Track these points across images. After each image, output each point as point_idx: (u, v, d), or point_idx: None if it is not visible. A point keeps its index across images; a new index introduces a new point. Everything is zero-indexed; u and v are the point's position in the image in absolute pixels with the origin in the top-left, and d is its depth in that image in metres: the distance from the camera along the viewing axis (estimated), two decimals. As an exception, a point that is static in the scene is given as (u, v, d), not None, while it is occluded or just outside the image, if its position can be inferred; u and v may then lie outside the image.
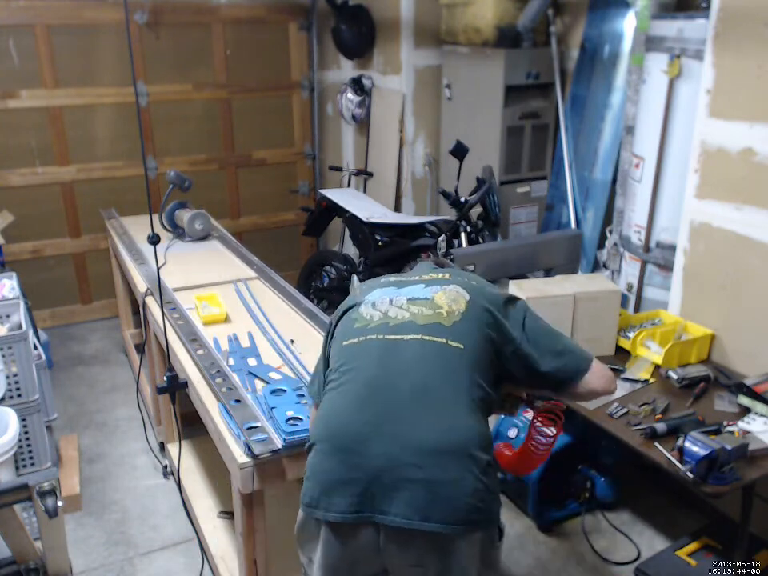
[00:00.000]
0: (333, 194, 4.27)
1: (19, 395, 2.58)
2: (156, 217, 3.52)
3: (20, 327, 2.61)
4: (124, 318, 4.19)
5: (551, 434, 1.80)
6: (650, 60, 2.89)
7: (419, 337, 1.54)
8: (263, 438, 1.80)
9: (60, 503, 1.54)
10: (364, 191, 4.73)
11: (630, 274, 3.16)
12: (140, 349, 4.05)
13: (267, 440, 1.79)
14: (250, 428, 1.84)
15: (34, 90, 4.28)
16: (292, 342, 2.42)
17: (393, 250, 3.85)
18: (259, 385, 2.12)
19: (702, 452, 1.95)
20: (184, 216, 3.58)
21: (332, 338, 1.70)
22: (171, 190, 3.45)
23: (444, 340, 1.54)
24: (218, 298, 2.74)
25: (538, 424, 1.81)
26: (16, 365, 2.56)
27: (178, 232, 3.61)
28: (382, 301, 1.66)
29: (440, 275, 1.76)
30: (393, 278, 1.79)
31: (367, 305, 1.67)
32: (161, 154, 4.69)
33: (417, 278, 1.77)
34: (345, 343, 1.61)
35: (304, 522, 1.55)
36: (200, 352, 2.32)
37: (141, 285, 2.95)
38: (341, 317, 1.71)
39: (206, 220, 3.60)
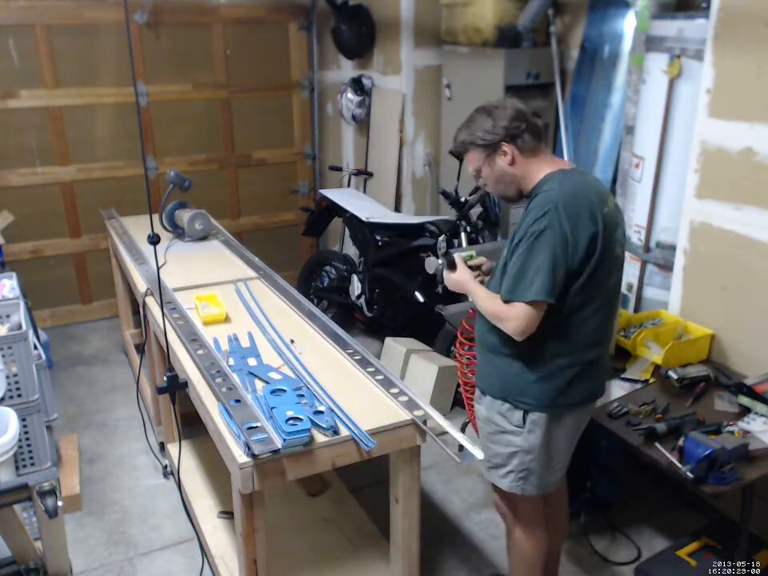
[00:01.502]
0: (333, 194, 4.27)
1: (19, 395, 2.58)
2: (156, 217, 3.52)
3: (20, 327, 2.61)
4: (124, 317, 4.19)
5: None
6: (650, 60, 2.89)
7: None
8: (263, 437, 1.80)
9: (60, 503, 1.54)
10: (364, 191, 4.73)
11: (630, 273, 3.15)
12: (140, 349, 4.07)
13: (267, 440, 1.79)
14: (250, 428, 1.84)
15: (34, 89, 4.28)
16: (292, 341, 2.42)
17: (393, 250, 3.85)
18: (259, 385, 2.12)
19: (702, 452, 1.95)
20: (184, 216, 3.58)
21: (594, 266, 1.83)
22: (171, 189, 3.45)
23: None
24: (218, 297, 2.73)
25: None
26: (16, 365, 2.56)
27: (178, 232, 3.61)
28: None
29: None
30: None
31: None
32: (161, 154, 4.69)
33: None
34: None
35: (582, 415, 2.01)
36: (200, 352, 2.32)
37: (141, 285, 2.95)
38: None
39: (206, 220, 3.60)
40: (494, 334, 1.94)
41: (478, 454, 1.82)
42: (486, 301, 1.95)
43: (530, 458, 1.98)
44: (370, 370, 2.22)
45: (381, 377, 2.17)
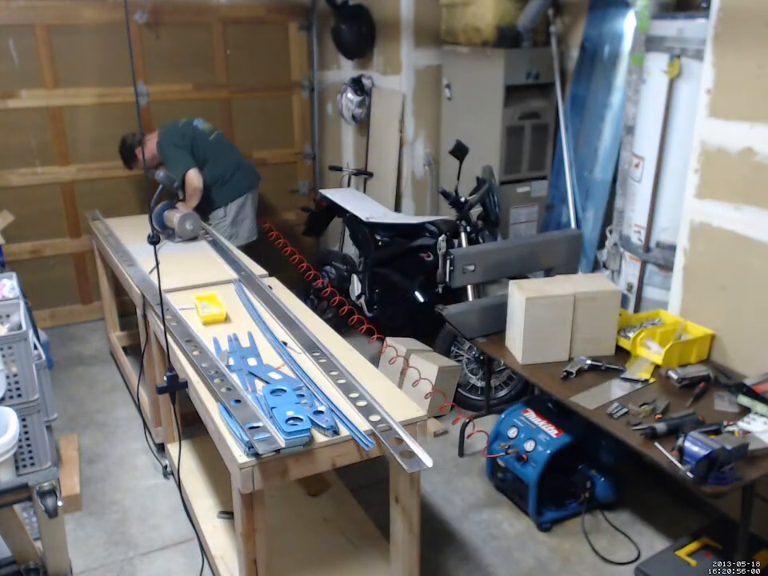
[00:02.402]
0: (333, 194, 4.27)
1: (19, 395, 2.58)
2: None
3: (20, 327, 2.61)
4: (110, 320, 4.20)
5: None
6: (650, 60, 2.89)
7: None
8: (266, 437, 1.80)
9: (60, 503, 1.54)
10: (364, 191, 4.73)
11: (630, 274, 3.16)
12: (128, 351, 4.07)
13: (270, 439, 1.79)
14: (252, 428, 1.84)
15: (33, 89, 4.28)
16: (284, 344, 2.42)
17: (393, 250, 3.85)
18: (259, 385, 2.12)
19: (702, 452, 1.95)
20: (173, 217, 3.58)
21: None
22: (161, 190, 3.45)
23: None
24: (218, 297, 2.74)
25: None
26: (16, 365, 2.56)
27: (167, 233, 3.62)
28: None
29: None
30: None
31: None
32: (161, 154, 4.69)
33: None
34: None
35: None
36: (195, 353, 2.32)
37: (137, 286, 2.94)
38: None
39: (196, 220, 3.60)
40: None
41: (428, 462, 1.81)
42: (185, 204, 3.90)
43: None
44: (333, 373, 2.21)
45: (343, 381, 2.16)
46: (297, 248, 4.43)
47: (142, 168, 4.09)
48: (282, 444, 1.77)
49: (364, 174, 4.70)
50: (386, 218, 3.98)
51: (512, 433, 2.83)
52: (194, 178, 3.91)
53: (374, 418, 1.96)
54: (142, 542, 2.73)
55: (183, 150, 3.97)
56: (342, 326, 3.86)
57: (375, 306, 3.98)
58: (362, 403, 2.03)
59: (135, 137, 4.13)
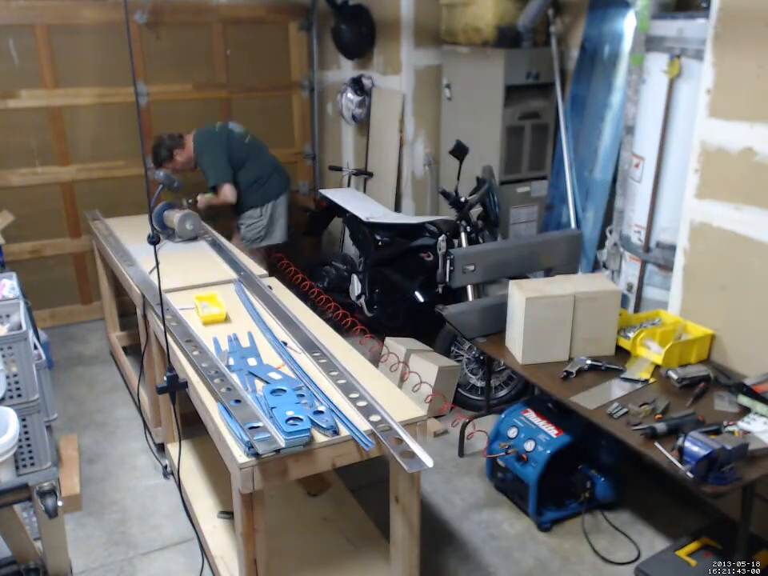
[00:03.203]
0: (333, 194, 4.27)
1: (19, 395, 2.58)
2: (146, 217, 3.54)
3: (20, 327, 2.61)
4: (110, 320, 4.20)
5: None
6: (650, 60, 2.89)
7: None
8: (266, 437, 1.80)
9: (60, 503, 1.54)
10: (364, 191, 4.73)
11: (630, 274, 3.16)
12: (128, 351, 4.07)
13: (270, 439, 1.79)
14: (252, 428, 1.84)
15: (33, 89, 4.28)
16: (284, 344, 2.42)
17: (393, 250, 3.85)
18: (259, 385, 2.12)
19: (702, 452, 1.95)
20: (173, 217, 3.58)
21: None
22: (160, 190, 3.45)
23: None
24: (218, 297, 2.74)
25: None
26: (16, 365, 2.56)
27: (167, 233, 3.62)
28: None
29: None
30: None
31: None
32: (161, 154, 4.69)
33: None
34: None
35: None
36: (195, 353, 2.32)
37: (137, 286, 2.94)
38: None
39: (196, 220, 3.60)
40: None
41: (428, 462, 1.80)
42: (214, 200, 4.14)
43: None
44: (333, 373, 2.21)
45: (343, 381, 2.16)
46: (289, 252, 4.47)
47: (174, 169, 4.05)
48: (282, 444, 1.77)
49: (364, 174, 4.70)
50: (386, 218, 3.98)
51: (512, 433, 2.83)
52: (228, 192, 4.05)
53: (375, 418, 1.95)
54: (141, 542, 2.73)
55: (222, 156, 4.03)
56: (342, 325, 3.86)
57: (375, 306, 3.98)
58: (362, 403, 2.03)
59: (174, 138, 4.10)
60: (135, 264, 3.20)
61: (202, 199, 4.10)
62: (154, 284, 2.78)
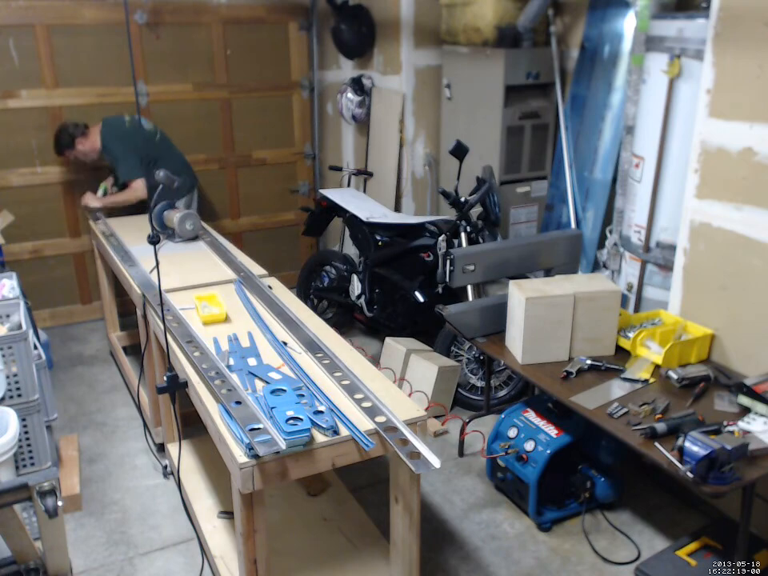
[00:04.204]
0: (333, 194, 4.27)
1: (19, 395, 2.58)
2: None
3: (20, 327, 2.61)
4: (110, 320, 4.20)
5: None
6: (650, 60, 2.89)
7: None
8: (266, 438, 1.79)
9: (60, 503, 1.54)
10: (364, 191, 4.73)
11: (630, 274, 3.16)
12: (128, 351, 4.08)
13: (270, 441, 1.79)
14: (252, 429, 1.84)
15: (33, 89, 4.28)
16: (285, 344, 2.42)
17: (393, 250, 3.85)
18: (259, 385, 2.12)
19: (702, 452, 1.95)
20: (173, 216, 3.58)
21: None
22: (161, 190, 3.45)
23: None
24: (218, 297, 2.74)
25: None
26: (16, 365, 2.56)
27: (167, 233, 3.62)
28: None
29: None
30: None
31: None
32: (161, 154, 4.69)
33: None
34: None
35: None
36: (196, 354, 2.32)
37: (138, 286, 2.94)
38: None
39: (196, 220, 3.60)
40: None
41: (435, 463, 1.80)
42: (121, 196, 4.01)
43: None
44: (337, 374, 2.21)
45: (347, 382, 2.16)
46: (296, 248, 4.39)
47: (74, 158, 4.14)
48: (283, 446, 1.77)
49: (364, 174, 4.70)
50: (386, 218, 3.98)
51: (512, 433, 2.83)
52: (140, 188, 4.02)
53: (380, 419, 1.95)
54: (141, 542, 2.73)
55: (132, 150, 3.99)
56: (342, 325, 3.86)
57: (375, 306, 3.98)
58: (366, 404, 2.03)
59: (78, 127, 4.09)
60: (136, 264, 3.20)
61: (109, 197, 4.09)
62: (154, 284, 2.79)
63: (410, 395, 3.40)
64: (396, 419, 1.94)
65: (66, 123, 4.13)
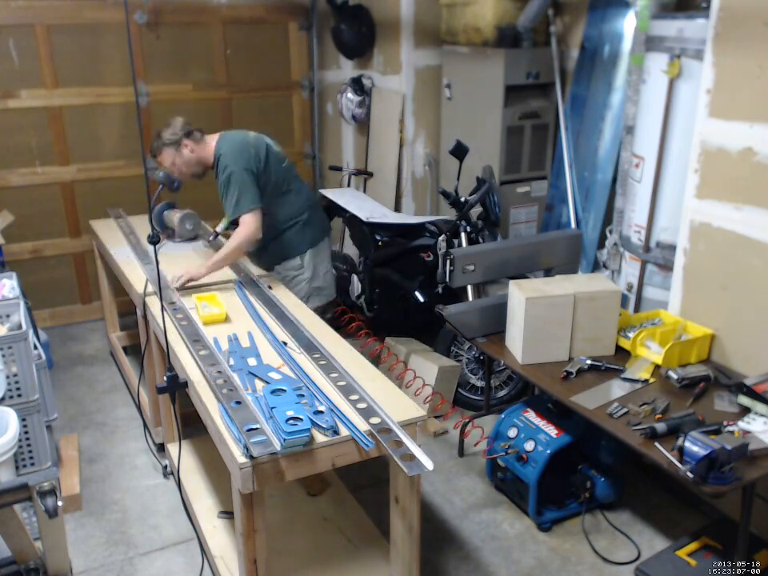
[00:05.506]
0: (333, 194, 4.27)
1: (19, 395, 2.58)
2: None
3: (20, 327, 2.61)
4: (110, 320, 4.20)
5: None
6: (650, 60, 2.89)
7: None
8: (262, 439, 1.80)
9: (60, 503, 1.54)
10: (364, 191, 4.73)
11: (630, 274, 3.16)
12: (128, 351, 4.07)
13: (266, 441, 1.79)
14: (250, 429, 1.84)
15: (33, 89, 4.28)
16: (285, 344, 2.42)
17: (393, 250, 3.85)
18: (259, 385, 2.12)
19: (702, 452, 1.95)
20: (173, 217, 3.58)
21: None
22: (160, 190, 3.46)
23: None
24: (218, 297, 2.74)
25: None
26: (16, 365, 2.56)
27: (167, 233, 3.62)
28: None
29: None
30: None
31: None
32: (161, 154, 4.69)
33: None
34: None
35: None
36: (202, 353, 2.32)
37: (139, 285, 2.94)
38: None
39: (195, 220, 3.60)
40: (259, 242, 3.04)
41: (428, 465, 1.80)
42: (225, 251, 2.96)
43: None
44: (333, 375, 2.21)
45: (343, 383, 2.16)
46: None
47: (172, 165, 3.13)
48: (278, 447, 1.77)
49: (364, 174, 4.70)
50: (386, 218, 3.98)
51: (512, 433, 2.83)
52: (253, 223, 2.92)
53: (375, 420, 1.95)
54: (141, 542, 2.73)
55: (252, 177, 2.94)
56: (343, 325, 3.85)
57: (375, 306, 3.98)
58: (362, 405, 2.03)
59: (191, 126, 3.10)
60: (137, 263, 3.20)
61: (216, 260, 2.98)
62: (164, 282, 2.79)
63: (418, 391, 3.37)
64: (390, 420, 1.94)
65: (177, 118, 3.13)
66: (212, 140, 3.07)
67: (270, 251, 3.21)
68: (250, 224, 2.92)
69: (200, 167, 3.11)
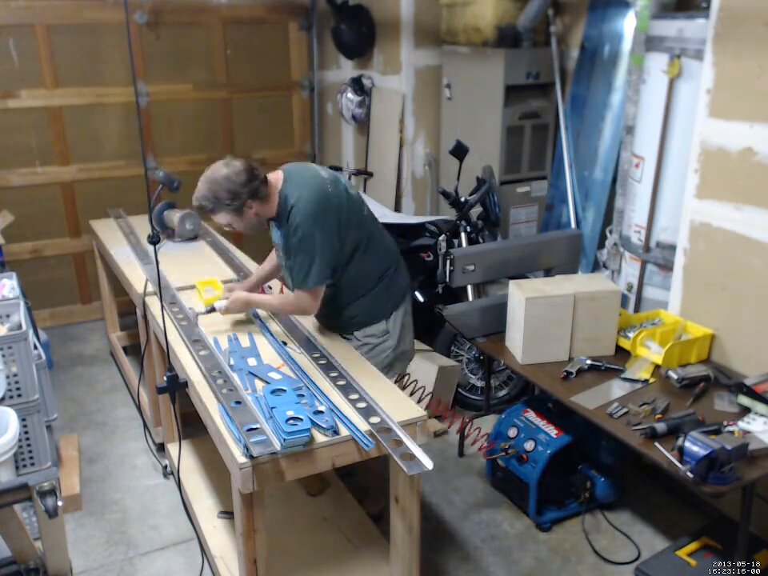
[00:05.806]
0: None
1: (19, 395, 2.58)
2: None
3: (20, 327, 2.61)
4: (110, 320, 4.20)
5: None
6: (650, 60, 2.89)
7: None
8: (262, 439, 1.80)
9: (60, 503, 1.54)
10: (364, 191, 4.73)
11: (630, 274, 3.16)
12: (128, 351, 4.07)
13: (266, 441, 1.79)
14: (250, 429, 1.84)
15: (34, 89, 4.28)
16: (284, 344, 2.42)
17: (393, 250, 3.84)
18: (259, 385, 2.12)
19: (702, 452, 1.95)
20: (173, 216, 3.58)
21: None
22: (160, 190, 3.46)
23: None
24: (219, 282, 2.80)
25: None
26: (16, 365, 2.56)
27: (167, 233, 3.62)
28: None
29: None
30: None
31: None
32: (161, 154, 4.69)
33: None
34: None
35: None
36: (202, 353, 2.32)
37: (139, 285, 2.94)
38: None
39: (196, 220, 3.60)
40: (327, 308, 2.49)
41: (428, 464, 1.80)
42: (274, 304, 2.56)
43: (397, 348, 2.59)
44: (332, 374, 2.21)
45: (343, 382, 2.16)
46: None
47: (230, 226, 2.43)
48: (278, 447, 1.77)
49: (364, 174, 4.70)
50: (386, 217, 3.97)
51: (512, 433, 2.83)
52: (311, 303, 2.40)
53: (374, 419, 1.95)
54: (141, 542, 2.73)
55: (331, 243, 2.33)
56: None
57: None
58: (361, 405, 2.03)
59: (258, 178, 2.32)
60: (138, 263, 3.21)
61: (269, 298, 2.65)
62: (166, 282, 2.80)
63: (419, 392, 3.35)
64: (390, 420, 1.94)
65: (235, 163, 2.32)
66: (275, 183, 2.36)
67: (345, 317, 2.53)
68: (304, 302, 2.38)
69: (261, 224, 2.45)
